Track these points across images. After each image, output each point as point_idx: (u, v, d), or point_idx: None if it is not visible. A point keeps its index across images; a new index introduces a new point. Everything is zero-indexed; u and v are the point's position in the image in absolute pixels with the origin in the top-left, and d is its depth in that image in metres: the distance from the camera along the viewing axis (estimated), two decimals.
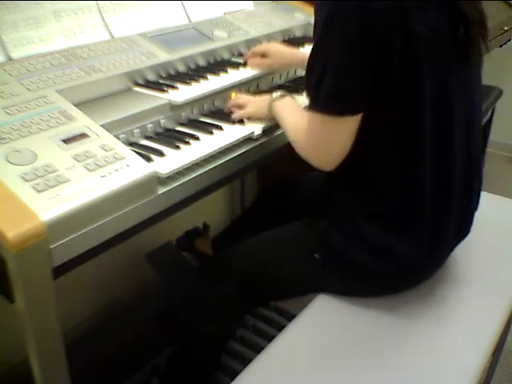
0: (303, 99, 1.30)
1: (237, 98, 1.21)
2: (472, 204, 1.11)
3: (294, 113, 1.10)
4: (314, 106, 0.94)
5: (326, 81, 0.90)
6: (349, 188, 1.04)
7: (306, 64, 1.35)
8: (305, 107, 1.01)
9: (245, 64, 1.33)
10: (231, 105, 1.19)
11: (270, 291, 1.20)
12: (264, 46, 1.35)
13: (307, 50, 1.51)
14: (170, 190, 0.93)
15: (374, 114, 0.93)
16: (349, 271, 1.06)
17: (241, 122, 1.15)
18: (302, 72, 1.47)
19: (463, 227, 1.11)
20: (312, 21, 1.73)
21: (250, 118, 1.15)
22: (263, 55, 1.33)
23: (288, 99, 1.15)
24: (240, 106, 1.17)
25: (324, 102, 0.92)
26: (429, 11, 0.89)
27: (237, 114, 1.15)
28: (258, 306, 1.24)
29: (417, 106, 0.93)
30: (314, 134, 0.97)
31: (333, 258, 1.06)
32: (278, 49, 1.35)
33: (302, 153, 1.02)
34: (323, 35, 0.90)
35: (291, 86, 1.39)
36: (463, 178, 1.03)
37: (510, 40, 2.33)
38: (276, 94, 1.15)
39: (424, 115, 0.93)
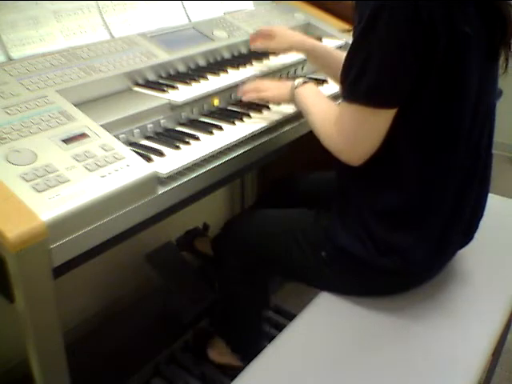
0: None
1: (257, 82, 1.18)
2: (481, 206, 1.10)
3: (320, 102, 1.07)
4: (353, 96, 0.92)
5: (368, 72, 0.88)
6: (363, 184, 1.03)
7: (302, 47, 1.31)
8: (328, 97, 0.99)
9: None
10: (249, 88, 1.15)
11: (276, 269, 1.23)
12: (271, 27, 1.33)
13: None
14: (169, 189, 0.93)
15: (408, 110, 0.91)
16: (354, 269, 1.06)
17: (241, 119, 1.15)
18: (302, 72, 1.47)
19: (470, 230, 1.11)
20: (312, 21, 1.74)
21: (270, 101, 1.13)
22: (268, 36, 1.31)
23: (312, 86, 1.12)
24: (259, 91, 1.14)
25: (364, 93, 0.90)
26: (469, 9, 0.89)
27: (253, 96, 1.13)
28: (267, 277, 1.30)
29: (459, 104, 0.92)
30: (349, 125, 0.95)
31: (339, 255, 1.06)
32: (285, 32, 1.33)
33: (330, 145, 1.00)
34: (369, 27, 0.88)
35: None
36: (480, 180, 1.03)
37: None
38: (298, 81, 1.12)
39: (465, 115, 0.92)
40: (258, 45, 1.31)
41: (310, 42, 1.33)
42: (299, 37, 1.34)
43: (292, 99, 1.12)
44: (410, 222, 1.00)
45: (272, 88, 1.15)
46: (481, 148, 1.01)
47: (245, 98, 1.14)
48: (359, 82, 0.90)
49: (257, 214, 1.26)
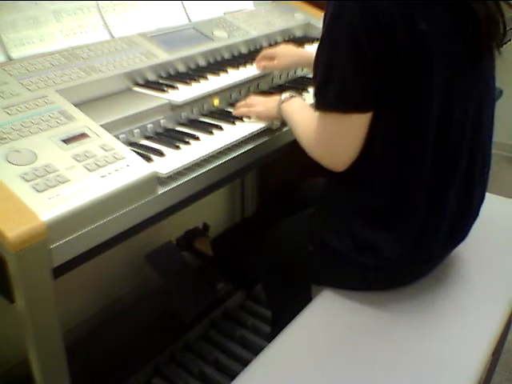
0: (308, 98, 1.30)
1: (247, 99, 1.20)
2: (473, 207, 1.08)
3: (303, 114, 1.09)
4: (322, 104, 0.93)
5: (333, 79, 0.89)
6: (344, 182, 1.04)
7: (303, 61, 1.34)
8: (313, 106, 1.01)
9: None
10: (241, 105, 1.18)
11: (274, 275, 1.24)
12: (274, 49, 1.34)
13: (313, 48, 1.51)
14: (169, 189, 0.93)
15: (377, 112, 0.91)
16: (338, 264, 1.07)
17: (241, 119, 1.15)
18: (301, 72, 1.48)
19: (460, 231, 1.09)
20: (312, 21, 1.74)
21: (259, 118, 1.15)
22: (272, 58, 1.32)
23: (297, 100, 1.14)
24: (250, 106, 1.17)
25: (332, 100, 0.90)
26: (436, 9, 0.88)
27: (245, 111, 1.15)
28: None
29: (424, 105, 0.91)
30: (324, 133, 0.96)
31: (322, 250, 1.07)
32: (285, 49, 1.34)
33: (312, 153, 1.01)
34: (328, 33, 0.89)
35: (291, 86, 1.38)
36: (464, 183, 1.02)
37: (510, 40, 2.33)
38: (285, 95, 1.14)
39: (430, 116, 0.92)
40: (262, 67, 1.31)
41: (310, 54, 1.34)
42: (299, 52, 1.35)
43: (279, 113, 1.13)
44: (384, 221, 1.00)
45: (260, 103, 1.16)
46: (462, 149, 0.98)
47: (236, 113, 1.16)
48: (326, 87, 0.90)
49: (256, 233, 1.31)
